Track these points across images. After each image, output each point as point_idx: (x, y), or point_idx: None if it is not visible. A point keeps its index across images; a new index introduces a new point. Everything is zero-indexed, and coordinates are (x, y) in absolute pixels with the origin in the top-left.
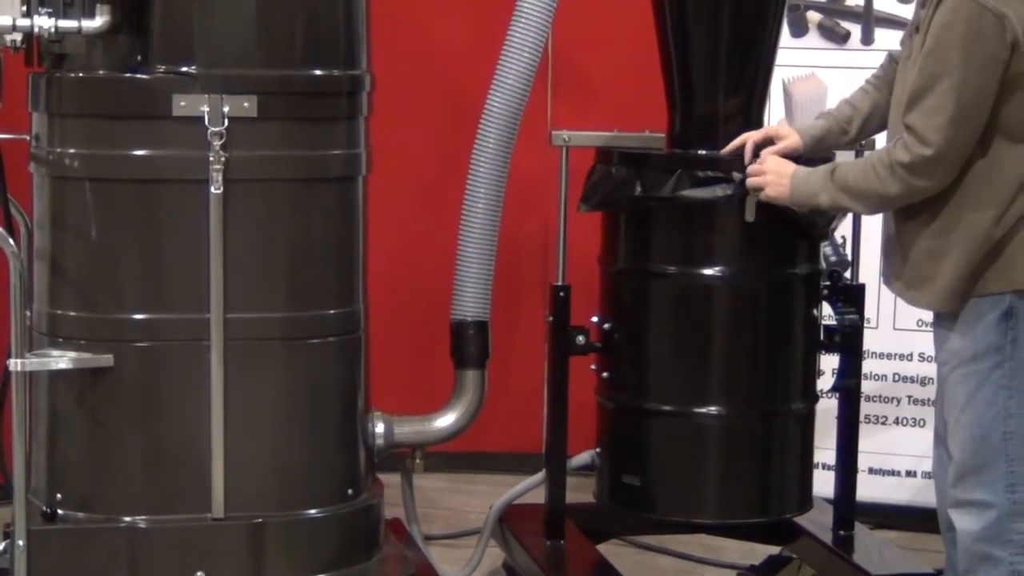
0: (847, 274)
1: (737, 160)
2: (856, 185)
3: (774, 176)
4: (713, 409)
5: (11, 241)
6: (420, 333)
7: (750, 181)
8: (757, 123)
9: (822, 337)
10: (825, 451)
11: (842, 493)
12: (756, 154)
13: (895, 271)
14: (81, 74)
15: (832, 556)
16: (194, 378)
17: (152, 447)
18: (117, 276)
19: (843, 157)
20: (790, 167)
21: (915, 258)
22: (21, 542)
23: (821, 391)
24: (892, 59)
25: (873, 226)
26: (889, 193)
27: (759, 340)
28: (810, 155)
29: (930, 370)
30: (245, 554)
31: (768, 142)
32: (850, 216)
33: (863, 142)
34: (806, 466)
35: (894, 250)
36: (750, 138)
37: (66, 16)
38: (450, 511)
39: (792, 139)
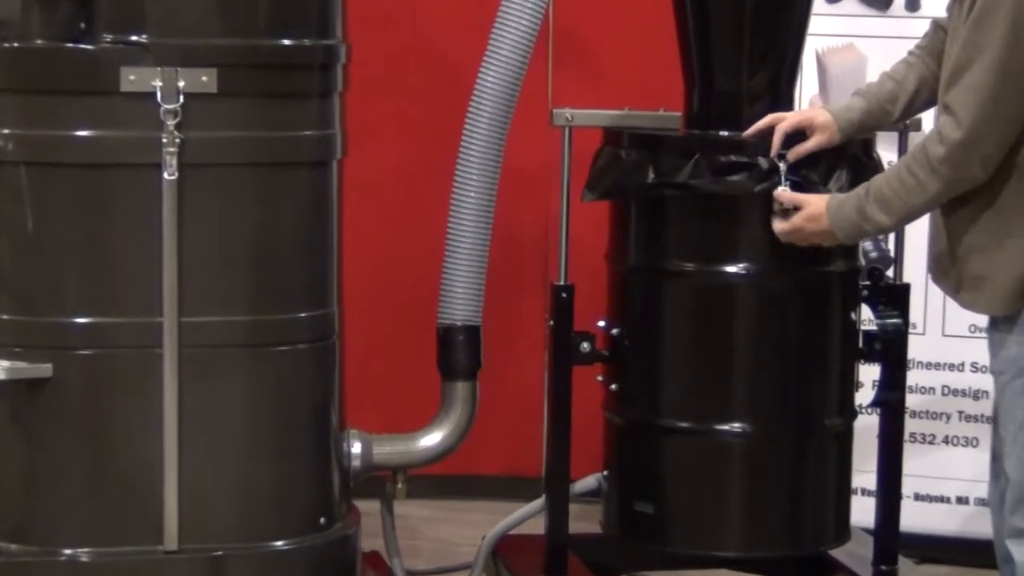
0: (889, 272)
1: (764, 143)
2: (897, 198)
3: (813, 232)
4: (737, 426)
5: None
6: (403, 340)
7: (784, 239)
8: (787, 100)
9: (861, 344)
10: (865, 474)
11: (884, 522)
12: (787, 146)
13: (943, 268)
14: (16, 44)
15: None
16: (145, 391)
17: (97, 469)
18: (57, 274)
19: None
20: (820, 207)
21: (965, 254)
22: None
23: (860, 406)
24: (938, 27)
25: (919, 220)
26: (933, 195)
27: (789, 347)
28: (847, 141)
29: (984, 382)
30: None
31: (799, 134)
32: None
33: (907, 122)
34: (843, 491)
35: (942, 243)
36: (780, 126)
37: None
38: (436, 543)
39: (826, 134)
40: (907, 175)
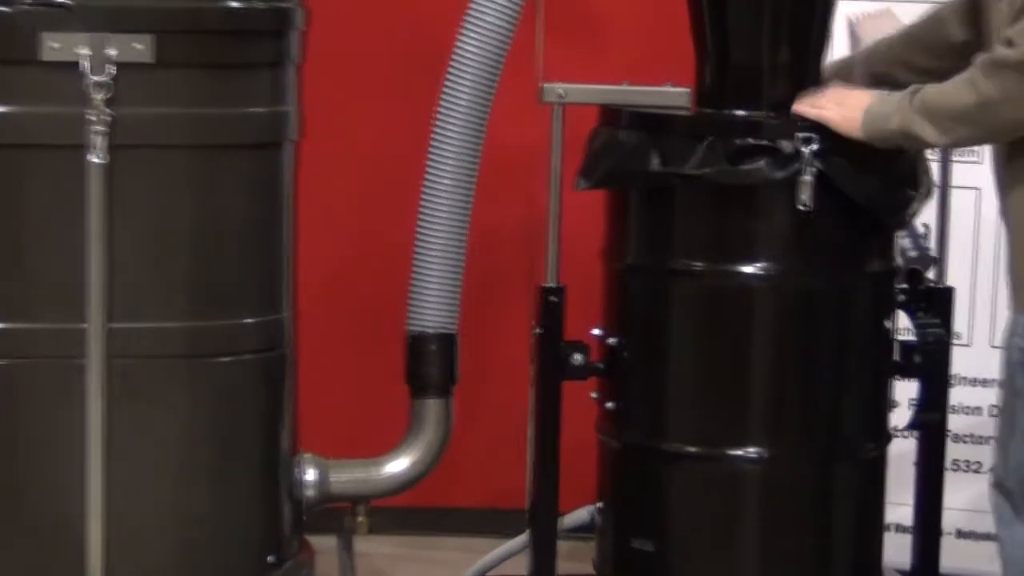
0: (930, 274)
1: (787, 124)
2: (935, 101)
3: (840, 105)
4: (752, 451)
5: None
6: (365, 350)
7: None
8: (814, 74)
9: (897, 356)
10: (900, 508)
11: (922, 562)
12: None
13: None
14: None
15: None
16: (65, 408)
17: (8, 502)
18: None
19: None
20: (864, 94)
21: None
22: None
23: (895, 428)
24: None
25: (964, 214)
26: (986, 96)
27: (814, 360)
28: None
29: None
30: None
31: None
32: (934, 201)
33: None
34: (874, 527)
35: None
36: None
37: None
38: None
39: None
40: (960, 83)
